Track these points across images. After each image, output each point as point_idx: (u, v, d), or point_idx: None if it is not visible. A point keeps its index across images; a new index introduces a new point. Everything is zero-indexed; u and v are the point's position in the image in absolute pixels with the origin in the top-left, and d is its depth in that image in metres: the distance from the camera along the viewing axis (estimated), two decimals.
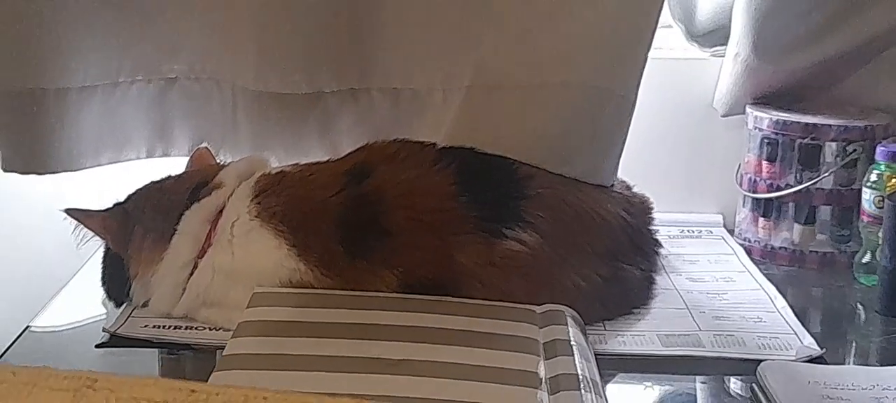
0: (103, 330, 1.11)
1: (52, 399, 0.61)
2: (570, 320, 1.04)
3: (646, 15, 1.18)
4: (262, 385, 0.87)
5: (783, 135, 1.36)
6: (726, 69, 1.43)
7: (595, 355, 1.02)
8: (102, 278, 1.19)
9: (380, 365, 0.93)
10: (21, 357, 1.08)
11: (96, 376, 0.61)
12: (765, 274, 1.31)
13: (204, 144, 1.29)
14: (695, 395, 1.05)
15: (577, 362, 0.95)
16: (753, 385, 1.01)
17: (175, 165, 1.28)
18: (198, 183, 1.16)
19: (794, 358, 1.07)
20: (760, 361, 1.04)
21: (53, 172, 1.26)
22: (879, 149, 1.30)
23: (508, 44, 1.21)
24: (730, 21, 1.41)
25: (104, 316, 1.16)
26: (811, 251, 1.37)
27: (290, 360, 0.94)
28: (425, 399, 0.87)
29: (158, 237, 1.13)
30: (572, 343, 0.99)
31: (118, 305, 1.17)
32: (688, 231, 1.47)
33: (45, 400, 0.61)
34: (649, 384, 1.06)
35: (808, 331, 1.13)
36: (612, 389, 1.03)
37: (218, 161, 1.27)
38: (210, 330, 1.11)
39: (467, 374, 0.92)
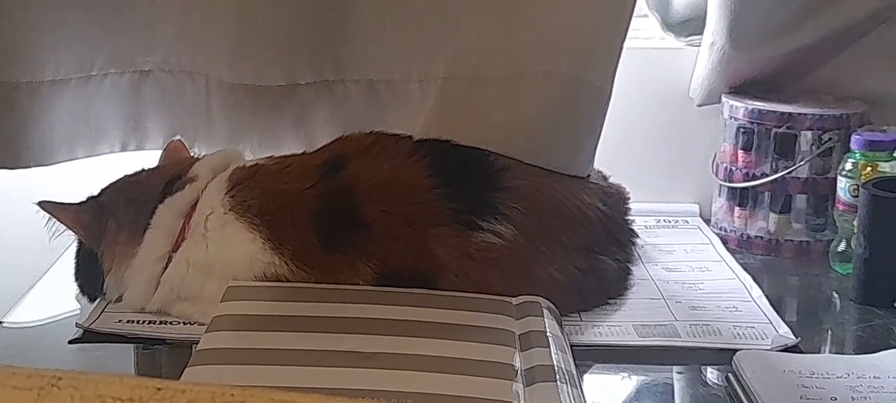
0: (77, 326, 1.10)
1: (15, 398, 0.60)
2: (545, 311, 1.04)
3: (621, 5, 1.17)
4: (237, 379, 0.88)
5: (759, 124, 1.37)
6: (702, 58, 1.43)
7: (571, 346, 1.01)
8: (76, 273, 1.18)
9: (355, 359, 0.92)
10: None
11: (61, 374, 0.61)
12: (741, 264, 1.31)
13: (178, 137, 1.28)
14: (671, 385, 1.05)
15: (552, 353, 0.95)
16: (729, 374, 1.01)
17: (149, 158, 1.27)
18: (172, 176, 1.16)
19: (769, 348, 1.07)
20: (736, 351, 1.04)
21: (26, 166, 1.26)
22: (854, 137, 1.30)
23: (484, 35, 1.20)
24: (705, 10, 1.41)
25: (78, 312, 1.15)
26: (787, 240, 1.37)
27: (265, 354, 0.93)
28: (401, 392, 0.86)
29: (132, 231, 1.13)
30: (548, 334, 0.99)
31: (92, 300, 1.16)
32: (664, 221, 1.47)
33: (9, 399, 0.60)
34: (626, 374, 1.06)
35: (784, 320, 1.13)
36: (588, 380, 1.04)
37: (192, 154, 1.27)
38: (185, 324, 1.10)
39: (443, 367, 0.92)
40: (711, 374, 1.05)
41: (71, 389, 0.60)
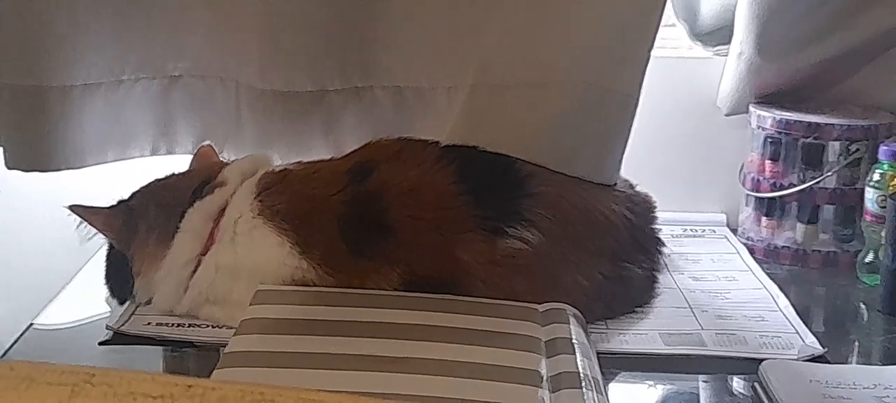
0: (107, 328, 1.11)
1: (49, 394, 0.61)
2: (571, 318, 1.04)
3: (648, 14, 1.17)
4: (264, 382, 0.88)
5: (786, 134, 1.36)
6: (730, 68, 1.43)
7: (597, 353, 1.02)
8: (106, 275, 1.19)
9: (382, 363, 0.93)
10: (24, 355, 1.08)
11: (94, 371, 0.62)
12: (767, 274, 1.31)
13: (207, 142, 1.29)
14: (697, 394, 1.05)
15: (578, 360, 0.95)
16: (755, 384, 1.01)
17: (179, 163, 1.28)
18: (201, 180, 1.17)
19: (795, 357, 1.07)
20: (762, 360, 1.04)
21: (57, 169, 1.27)
22: (882, 148, 1.30)
23: (511, 43, 1.21)
24: (733, 20, 1.41)
25: (108, 314, 1.16)
26: (814, 250, 1.37)
27: (293, 358, 0.94)
28: (427, 397, 0.87)
29: (162, 234, 1.14)
30: (574, 341, 0.99)
31: (121, 303, 1.17)
32: (691, 230, 1.47)
33: (43, 395, 0.61)
34: (651, 383, 1.06)
35: (811, 330, 1.13)
36: (614, 388, 1.04)
37: (221, 159, 1.28)
38: (213, 327, 1.11)
39: (469, 372, 0.92)
40: (737, 383, 1.05)
41: (104, 386, 0.61)
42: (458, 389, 0.89)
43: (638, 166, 1.28)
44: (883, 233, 1.23)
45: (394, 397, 0.86)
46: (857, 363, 1.13)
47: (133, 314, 1.14)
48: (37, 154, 1.25)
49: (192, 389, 0.60)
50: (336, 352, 0.95)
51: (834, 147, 1.35)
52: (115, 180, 1.27)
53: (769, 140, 1.38)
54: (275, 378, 0.90)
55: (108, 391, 0.61)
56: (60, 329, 1.17)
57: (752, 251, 1.39)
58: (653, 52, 1.19)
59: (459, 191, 1.11)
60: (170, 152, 1.34)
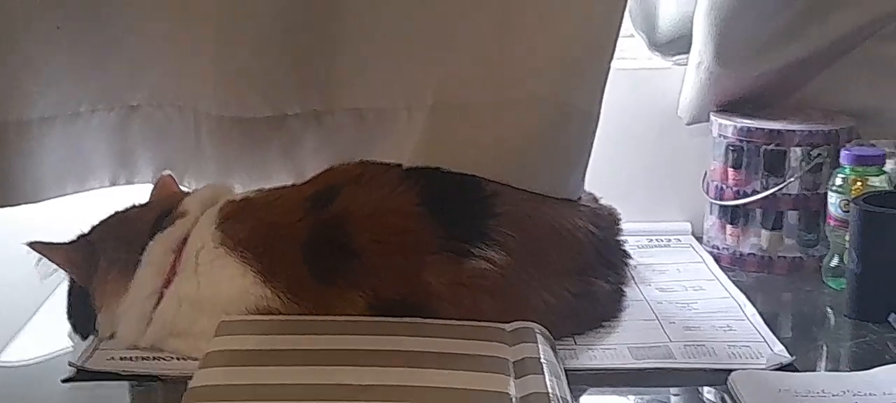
0: (69, 364, 1.09)
1: None
2: (539, 337, 1.04)
3: (606, 27, 1.17)
4: None
5: (748, 141, 1.37)
6: (689, 77, 1.43)
7: (566, 371, 1.01)
8: (68, 311, 1.18)
9: (349, 391, 0.92)
10: None
11: None
12: (734, 282, 1.31)
13: (167, 172, 1.28)
14: None
15: (547, 380, 0.94)
16: (724, 395, 1.01)
17: (141, 193, 1.27)
18: (161, 212, 1.15)
19: (764, 367, 1.07)
20: (731, 371, 1.04)
21: (16, 204, 1.25)
22: (844, 152, 1.30)
23: (471, 62, 1.21)
24: (691, 30, 1.41)
25: (71, 349, 1.14)
26: (779, 256, 1.37)
27: (259, 390, 0.93)
28: None
29: (123, 268, 1.12)
30: (542, 361, 0.98)
31: (84, 338, 1.15)
32: (656, 240, 1.47)
33: None
34: (621, 397, 1.06)
35: (779, 338, 1.13)
36: None
37: (183, 188, 1.26)
38: (178, 359, 1.09)
39: (438, 398, 0.91)
40: (708, 394, 1.04)
41: None
42: None
43: (601, 178, 1.28)
44: (847, 238, 1.23)
45: None
46: (826, 369, 1.13)
47: (96, 349, 1.12)
48: None
49: None
50: (302, 383, 0.94)
51: (796, 153, 1.35)
52: (76, 212, 1.25)
53: (731, 148, 1.38)
54: None
55: None
56: (24, 365, 1.15)
57: (717, 259, 1.40)
58: (612, 64, 1.19)
59: (423, 213, 1.10)
60: (130, 182, 1.32)
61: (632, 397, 1.06)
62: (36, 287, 1.16)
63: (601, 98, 1.19)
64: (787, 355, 1.09)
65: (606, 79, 1.19)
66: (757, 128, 1.36)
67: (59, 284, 1.20)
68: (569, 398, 0.94)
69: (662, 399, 1.05)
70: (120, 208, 1.20)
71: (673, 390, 1.07)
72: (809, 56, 1.40)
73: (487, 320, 1.07)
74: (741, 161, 1.37)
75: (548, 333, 1.06)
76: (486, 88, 1.20)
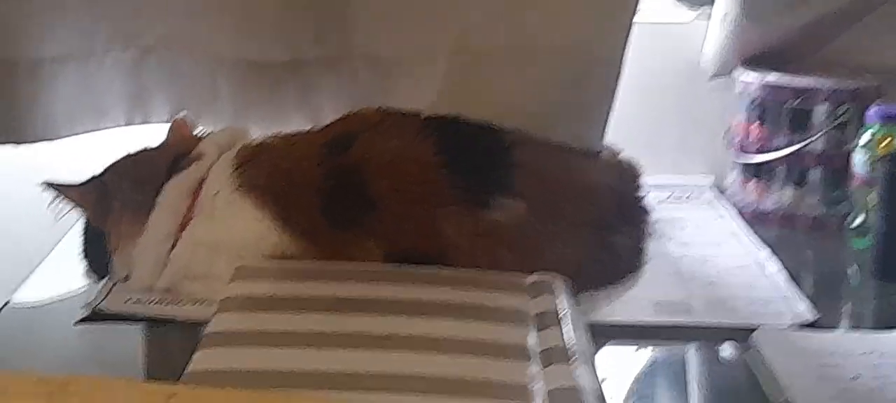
0: (83, 306, 1.08)
1: None
2: (560, 290, 1.02)
3: None
4: (246, 363, 0.86)
5: (773, 96, 1.34)
6: (714, 30, 1.41)
7: (586, 324, 1.00)
8: (82, 252, 1.16)
9: (365, 341, 0.91)
10: (2, 334, 1.07)
11: (69, 380, 0.58)
12: (756, 238, 1.29)
13: (183, 114, 1.26)
14: (688, 363, 1.03)
15: (568, 333, 0.93)
16: (748, 353, 1.00)
17: (155, 134, 1.25)
18: (177, 154, 1.14)
19: (788, 325, 1.05)
20: (754, 328, 1.02)
21: (30, 142, 1.24)
22: (870, 110, 1.28)
23: (492, 8, 1.19)
24: None
25: (85, 290, 1.13)
26: (802, 213, 1.35)
27: (275, 337, 0.91)
28: (413, 375, 0.85)
29: (138, 210, 1.11)
30: (563, 313, 0.97)
31: (99, 279, 1.14)
32: (677, 194, 1.45)
33: None
34: (641, 352, 1.05)
35: (801, 296, 1.11)
36: (604, 357, 1.01)
37: (198, 130, 1.25)
38: (194, 303, 1.08)
39: (456, 348, 0.90)
40: (728, 352, 1.03)
41: (80, 395, 0.58)
42: (445, 366, 0.87)
43: (622, 131, 1.26)
44: (871, 196, 1.21)
45: (380, 377, 0.84)
46: (849, 328, 1.12)
47: (111, 291, 1.11)
48: (8, 127, 1.23)
49: (174, 398, 0.57)
50: (318, 330, 0.92)
51: (821, 109, 1.33)
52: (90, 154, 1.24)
53: (755, 103, 1.36)
54: (258, 358, 0.88)
55: (85, 399, 0.57)
56: (39, 306, 1.14)
57: (739, 215, 1.38)
58: (636, 16, 1.17)
59: (442, 162, 1.08)
60: (145, 123, 1.31)
61: (651, 352, 1.04)
62: (51, 226, 1.15)
63: (625, 48, 1.17)
64: (811, 313, 1.07)
65: (631, 28, 1.17)
66: (782, 84, 1.34)
67: (74, 224, 1.19)
68: (590, 352, 0.93)
69: (681, 357, 1.04)
70: (133, 149, 1.19)
71: (692, 347, 1.05)
72: (837, 11, 1.37)
73: (505, 271, 1.05)
74: (765, 116, 1.35)
75: (568, 285, 1.04)
76: (507, 36, 1.18)
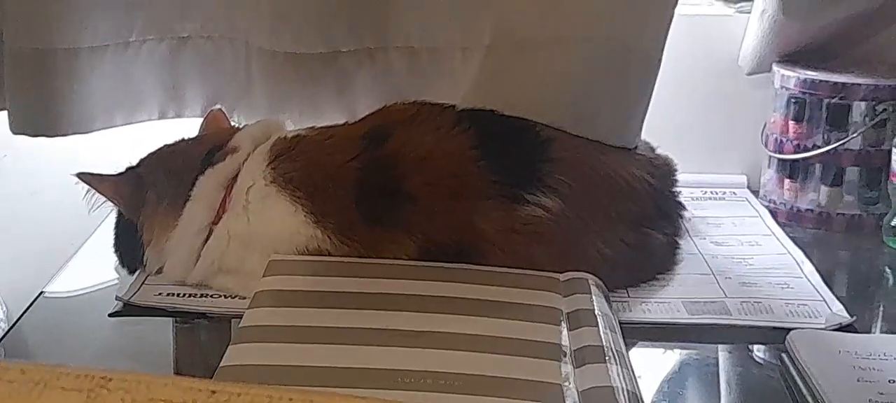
0: (116, 298, 1.08)
1: (64, 400, 0.58)
2: (593, 288, 1.01)
3: None
4: (280, 358, 0.86)
5: (810, 94, 1.33)
6: (752, 26, 1.39)
7: (619, 323, 0.99)
8: (115, 244, 1.17)
9: (398, 337, 0.90)
10: (35, 325, 1.07)
11: (111, 375, 0.58)
12: (791, 238, 1.28)
13: (218, 106, 1.26)
14: (722, 363, 1.03)
15: (601, 332, 0.93)
16: (783, 355, 0.99)
17: (189, 127, 1.26)
18: (212, 147, 1.14)
19: (823, 327, 1.04)
20: (789, 329, 1.01)
21: (64, 134, 1.25)
22: None
23: (529, 0, 1.17)
24: None
25: (117, 282, 1.14)
26: (838, 213, 1.34)
27: (308, 332, 0.91)
28: (446, 372, 0.85)
29: (172, 202, 1.11)
30: (597, 312, 0.96)
31: (131, 271, 1.14)
32: (711, 192, 1.44)
33: (57, 400, 0.58)
34: (674, 352, 1.04)
35: (837, 297, 1.10)
36: (635, 357, 1.01)
37: (232, 123, 1.25)
38: (226, 297, 1.08)
39: (489, 346, 0.90)
40: (763, 353, 1.02)
41: (121, 391, 0.58)
42: (477, 363, 0.87)
43: (657, 126, 1.25)
44: None
45: (413, 374, 0.84)
46: (883, 331, 1.10)
47: (143, 283, 1.12)
48: (43, 118, 1.23)
49: (215, 395, 0.57)
50: (351, 326, 0.92)
51: (859, 107, 1.31)
52: (123, 147, 1.24)
53: (793, 100, 1.35)
54: (292, 354, 0.87)
55: (126, 396, 0.57)
56: (72, 297, 1.15)
57: (774, 214, 1.37)
58: (676, 9, 1.16)
59: (477, 156, 1.08)
60: (179, 116, 1.31)
61: (685, 352, 1.04)
62: (84, 218, 1.15)
63: (664, 42, 1.16)
64: (847, 315, 1.06)
65: (671, 21, 1.15)
66: (820, 81, 1.32)
67: (107, 216, 1.20)
68: (624, 351, 0.92)
69: (715, 358, 1.03)
70: (169, 141, 1.19)
71: (726, 348, 1.04)
72: (877, 7, 1.35)
73: (540, 268, 1.05)
74: (803, 114, 1.34)
75: (602, 284, 1.04)
76: (544, 28, 1.17)
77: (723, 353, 1.03)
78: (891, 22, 1.39)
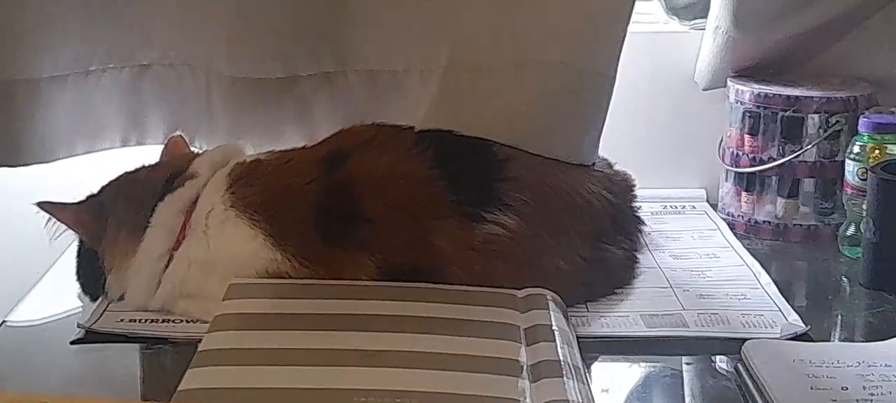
0: (78, 326, 1.09)
1: None
2: (551, 304, 1.03)
3: None
4: (239, 381, 0.87)
5: (765, 107, 1.35)
6: (707, 42, 1.41)
7: (578, 338, 1.00)
8: (77, 272, 1.17)
9: (359, 357, 0.91)
10: None
11: (46, 398, 0.58)
12: (748, 249, 1.30)
13: (178, 132, 1.27)
14: (680, 375, 1.04)
15: (558, 348, 0.94)
16: (738, 364, 1.00)
17: (150, 154, 1.26)
18: (171, 173, 1.14)
19: (778, 336, 1.06)
20: (745, 340, 1.02)
21: (26, 164, 1.24)
22: (862, 120, 1.28)
23: (485, 23, 1.19)
24: None
25: (80, 310, 1.14)
26: (795, 224, 1.36)
27: (268, 354, 0.92)
28: (405, 391, 0.85)
29: (132, 229, 1.11)
30: (554, 328, 0.97)
31: (93, 299, 1.15)
32: (671, 206, 1.45)
33: None
34: (634, 365, 1.05)
35: (793, 307, 1.12)
36: (596, 371, 1.02)
37: (194, 149, 1.25)
38: (188, 322, 1.09)
39: (447, 364, 0.90)
40: (721, 363, 1.03)
41: None
42: (437, 382, 0.88)
43: (616, 143, 1.26)
44: (863, 206, 1.22)
45: (372, 393, 0.85)
46: (840, 339, 1.12)
47: (105, 310, 1.12)
48: (4, 149, 1.23)
49: None
50: (311, 347, 0.93)
51: (813, 120, 1.33)
52: (84, 174, 1.25)
53: (748, 114, 1.36)
54: (250, 377, 0.88)
55: None
56: (33, 326, 1.15)
57: (732, 226, 1.38)
58: (629, 28, 1.17)
59: (435, 176, 1.09)
60: (140, 143, 1.31)
61: (644, 365, 1.05)
62: (45, 247, 1.15)
63: (617, 62, 1.17)
64: (802, 324, 1.08)
65: (623, 42, 1.17)
66: (774, 94, 1.34)
67: (69, 245, 1.20)
68: (581, 365, 0.93)
69: (675, 369, 1.04)
70: (129, 168, 1.19)
71: (685, 359, 1.05)
72: (829, 22, 1.37)
73: (499, 285, 1.06)
74: (758, 127, 1.36)
75: (560, 300, 1.05)
76: (500, 51, 1.18)
77: (685, 365, 1.05)
78: (842, 36, 1.41)
